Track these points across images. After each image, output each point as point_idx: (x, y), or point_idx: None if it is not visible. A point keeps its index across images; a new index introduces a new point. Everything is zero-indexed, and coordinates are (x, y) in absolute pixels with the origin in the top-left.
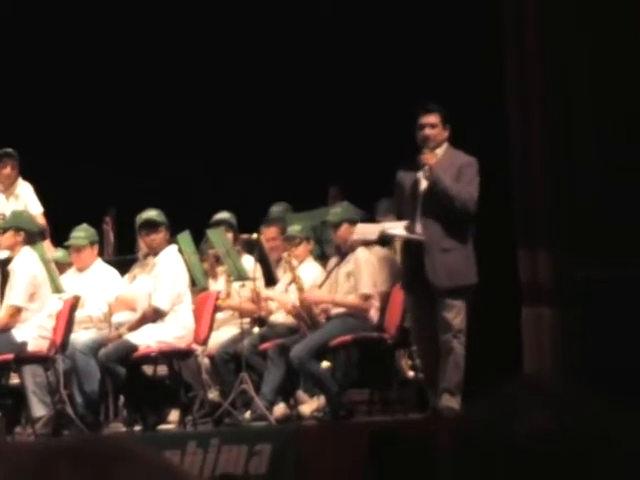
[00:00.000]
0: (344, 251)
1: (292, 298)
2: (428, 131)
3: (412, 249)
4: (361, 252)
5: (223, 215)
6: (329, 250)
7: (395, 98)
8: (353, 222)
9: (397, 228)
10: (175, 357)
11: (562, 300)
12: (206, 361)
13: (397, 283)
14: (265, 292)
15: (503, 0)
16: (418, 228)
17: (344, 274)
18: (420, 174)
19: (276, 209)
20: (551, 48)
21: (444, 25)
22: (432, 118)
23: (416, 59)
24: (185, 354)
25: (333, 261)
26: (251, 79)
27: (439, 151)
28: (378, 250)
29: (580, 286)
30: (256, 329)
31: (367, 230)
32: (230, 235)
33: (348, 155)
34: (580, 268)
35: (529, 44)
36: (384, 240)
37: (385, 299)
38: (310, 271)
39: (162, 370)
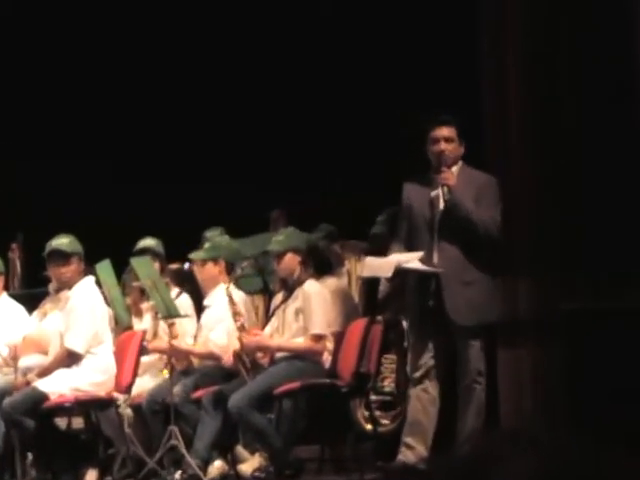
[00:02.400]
0: (291, 285)
1: (217, 345)
2: (444, 145)
3: (426, 282)
4: (311, 285)
5: (149, 242)
6: (274, 284)
7: (356, 110)
8: (299, 251)
9: (413, 261)
10: (93, 407)
11: (545, 338)
12: (129, 412)
13: (352, 320)
14: (183, 344)
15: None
16: (435, 258)
17: (292, 312)
18: (434, 195)
19: (210, 235)
20: (534, 63)
21: (439, 29)
22: (447, 131)
23: (401, 72)
24: (104, 404)
25: (279, 297)
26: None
27: (455, 169)
28: (331, 282)
29: (566, 321)
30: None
31: (378, 266)
32: (157, 265)
33: (293, 176)
34: (566, 299)
35: (511, 58)
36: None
37: (339, 339)
38: (224, 298)
39: (78, 423)
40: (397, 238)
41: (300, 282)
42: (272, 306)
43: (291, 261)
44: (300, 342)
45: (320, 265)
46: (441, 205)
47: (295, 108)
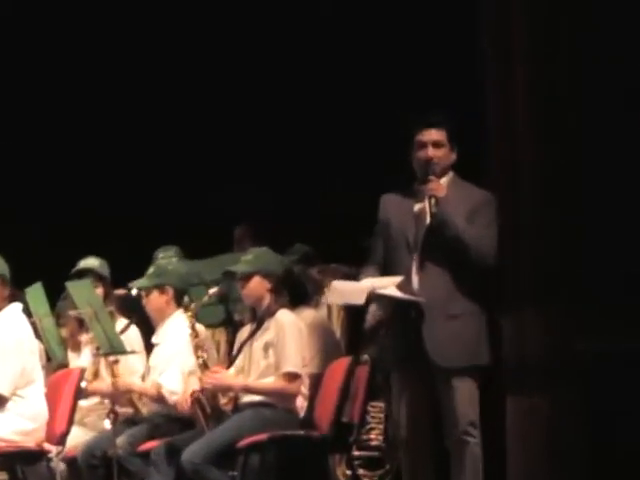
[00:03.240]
0: (260, 316)
1: (170, 391)
2: (432, 151)
3: (404, 313)
4: (284, 314)
5: (91, 262)
6: (240, 314)
7: (353, 112)
8: (269, 275)
9: (389, 287)
10: (19, 460)
11: (557, 383)
12: (62, 466)
13: (333, 360)
14: (128, 382)
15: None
16: (415, 283)
17: (261, 346)
18: (419, 209)
19: (163, 255)
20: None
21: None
22: (436, 134)
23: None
24: (33, 456)
25: (245, 331)
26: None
27: (444, 181)
28: (308, 314)
29: (582, 363)
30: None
31: (348, 291)
32: (100, 290)
33: (260, 188)
34: (582, 339)
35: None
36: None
37: (316, 383)
38: (176, 332)
39: (1, 478)
40: (370, 260)
41: (271, 312)
42: (237, 341)
43: (258, 286)
44: (270, 382)
45: (295, 293)
46: (427, 220)
47: (284, 110)
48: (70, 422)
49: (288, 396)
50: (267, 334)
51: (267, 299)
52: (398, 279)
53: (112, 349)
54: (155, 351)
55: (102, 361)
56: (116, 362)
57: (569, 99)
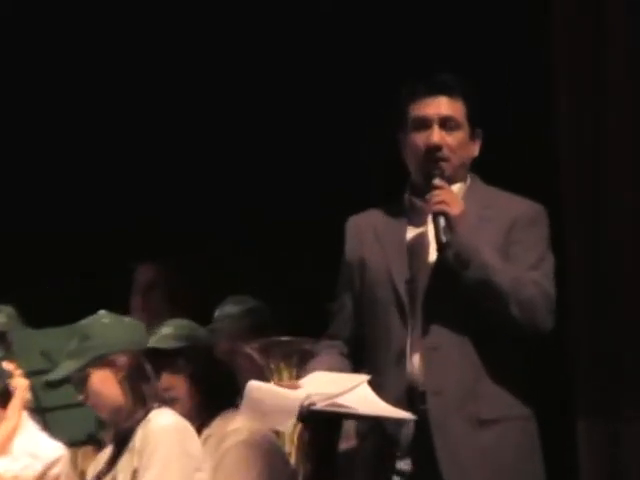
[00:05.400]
0: (121, 432)
1: None
2: (439, 135)
3: (395, 426)
4: (157, 416)
5: None
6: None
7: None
8: (115, 363)
9: (345, 393)
10: None
11: None
12: None
13: None
14: None
15: None
16: (414, 366)
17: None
18: (416, 237)
19: None
20: None
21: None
22: (448, 106)
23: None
24: None
25: (104, 456)
26: None
27: (458, 188)
28: (241, 427)
29: None
30: None
31: (270, 405)
32: None
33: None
34: None
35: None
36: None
37: None
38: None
39: None
40: (330, 332)
41: (135, 421)
42: (94, 470)
43: (104, 385)
44: None
45: (216, 390)
46: (431, 256)
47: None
48: None
49: None
50: (134, 457)
51: (122, 402)
52: (364, 378)
53: None
54: None
55: None
56: None
57: None
